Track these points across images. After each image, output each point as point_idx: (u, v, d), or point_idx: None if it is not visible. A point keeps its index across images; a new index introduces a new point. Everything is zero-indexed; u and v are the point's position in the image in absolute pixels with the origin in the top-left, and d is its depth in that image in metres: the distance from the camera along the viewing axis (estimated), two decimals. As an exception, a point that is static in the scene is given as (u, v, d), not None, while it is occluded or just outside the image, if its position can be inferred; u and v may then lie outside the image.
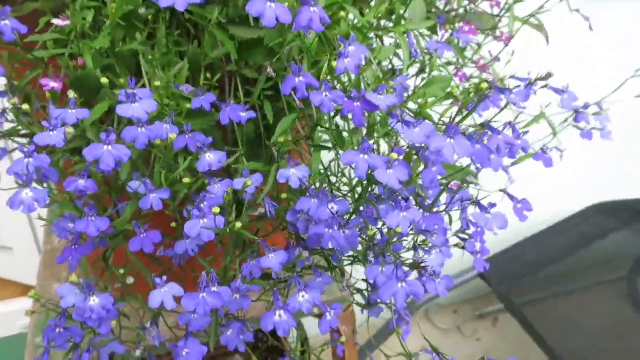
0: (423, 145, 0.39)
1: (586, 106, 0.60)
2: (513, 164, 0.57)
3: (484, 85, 0.40)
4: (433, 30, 0.73)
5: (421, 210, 0.41)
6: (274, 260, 0.42)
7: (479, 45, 0.79)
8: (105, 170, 0.38)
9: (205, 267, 0.44)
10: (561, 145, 0.77)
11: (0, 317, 1.60)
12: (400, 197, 0.44)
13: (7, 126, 0.48)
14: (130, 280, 0.44)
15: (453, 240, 0.55)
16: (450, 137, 0.38)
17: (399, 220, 0.40)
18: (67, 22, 0.46)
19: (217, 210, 0.38)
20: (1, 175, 0.53)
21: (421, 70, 0.67)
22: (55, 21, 0.46)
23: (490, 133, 0.42)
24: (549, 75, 0.42)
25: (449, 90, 0.65)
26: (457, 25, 0.70)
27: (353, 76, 0.56)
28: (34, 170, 0.37)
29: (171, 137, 0.40)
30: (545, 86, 0.48)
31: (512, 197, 0.50)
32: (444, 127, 0.40)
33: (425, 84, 0.63)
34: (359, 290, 0.59)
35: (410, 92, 0.62)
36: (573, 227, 1.64)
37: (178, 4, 0.38)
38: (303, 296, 0.41)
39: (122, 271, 0.43)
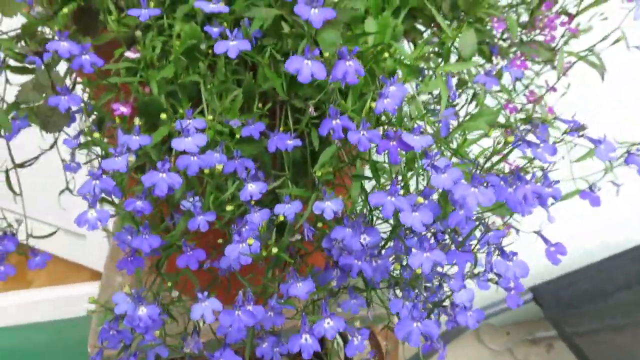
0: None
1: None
2: (553, 203, 0.56)
3: (511, 139, 0.41)
4: (488, 57, 0.73)
5: (452, 247, 0.43)
6: (301, 289, 0.45)
7: (536, 74, 0.78)
8: (159, 195, 0.42)
9: (244, 284, 0.48)
10: (617, 180, 0.75)
11: (71, 299, 1.74)
12: (430, 233, 0.46)
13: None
14: (175, 293, 0.49)
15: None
16: (474, 186, 0.39)
17: (422, 260, 0.42)
18: (137, 55, 0.51)
19: (251, 241, 0.42)
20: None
21: (471, 99, 0.67)
22: (128, 53, 0.51)
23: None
24: (583, 128, 0.42)
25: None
26: (512, 54, 0.70)
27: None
28: (100, 192, 0.42)
29: (218, 168, 0.44)
30: (582, 136, 0.48)
31: (545, 240, 0.50)
32: (474, 170, 0.42)
33: (471, 117, 0.64)
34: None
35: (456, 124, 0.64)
36: (632, 260, 1.56)
37: (230, 51, 0.42)
38: (328, 323, 0.44)
39: (169, 284, 0.48)
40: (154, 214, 0.48)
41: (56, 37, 0.48)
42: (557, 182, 0.46)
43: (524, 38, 0.71)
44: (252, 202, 0.47)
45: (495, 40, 0.72)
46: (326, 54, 0.45)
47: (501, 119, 0.73)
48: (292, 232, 0.49)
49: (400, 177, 0.44)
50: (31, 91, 0.49)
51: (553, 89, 0.82)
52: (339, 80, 0.41)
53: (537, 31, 0.69)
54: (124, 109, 0.52)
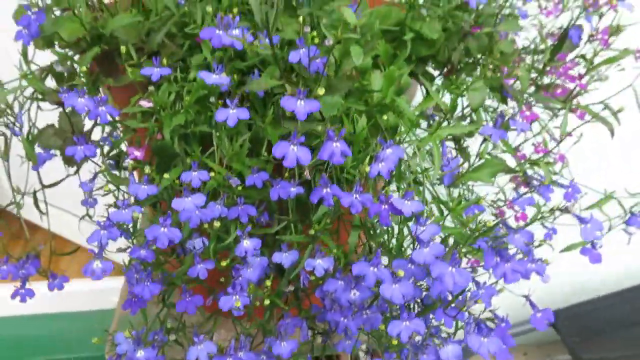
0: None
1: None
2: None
3: (490, 224, 0.42)
4: (504, 99, 0.73)
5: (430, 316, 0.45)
6: (285, 348, 0.48)
7: (543, 127, 0.78)
8: (160, 247, 0.46)
9: (236, 329, 0.51)
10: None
11: (100, 292, 1.82)
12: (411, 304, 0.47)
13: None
14: (172, 337, 0.53)
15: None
16: (452, 265, 0.41)
17: (400, 329, 0.44)
18: (150, 104, 0.54)
19: (238, 303, 0.45)
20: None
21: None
22: (142, 102, 0.54)
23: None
24: (566, 209, 0.43)
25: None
26: (523, 103, 0.70)
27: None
28: (107, 242, 0.46)
29: (215, 225, 0.47)
30: (567, 211, 0.49)
31: (533, 306, 0.51)
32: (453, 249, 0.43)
33: (475, 168, 0.65)
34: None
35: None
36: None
37: (230, 119, 0.44)
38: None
39: (169, 325, 0.51)
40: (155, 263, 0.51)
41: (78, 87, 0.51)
42: (540, 259, 0.47)
43: (540, 83, 0.71)
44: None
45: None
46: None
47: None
48: (287, 282, 0.52)
49: (380, 250, 0.46)
50: (52, 136, 0.52)
51: (556, 140, 0.81)
52: (325, 159, 0.43)
53: (553, 77, 0.69)
54: (137, 153, 0.55)
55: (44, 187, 0.74)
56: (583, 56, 0.63)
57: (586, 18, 0.63)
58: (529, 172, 0.76)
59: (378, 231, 0.51)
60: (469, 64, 0.73)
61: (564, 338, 1.55)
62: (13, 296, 0.60)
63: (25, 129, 0.63)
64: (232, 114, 0.44)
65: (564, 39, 0.65)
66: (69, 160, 0.61)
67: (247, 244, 0.48)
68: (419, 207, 0.47)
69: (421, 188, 0.57)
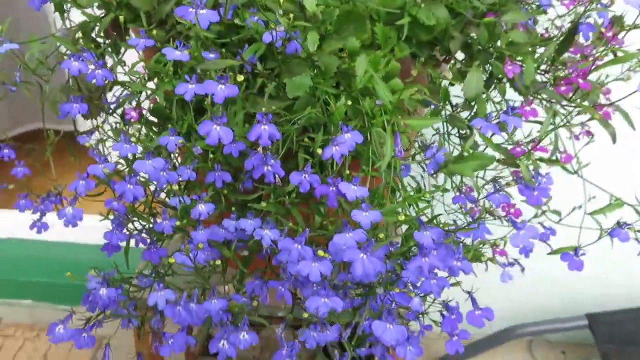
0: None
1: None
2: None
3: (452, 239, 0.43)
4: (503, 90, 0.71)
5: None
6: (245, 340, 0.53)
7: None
8: (128, 201, 0.52)
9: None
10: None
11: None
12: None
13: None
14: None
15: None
16: (364, 252, 0.43)
17: (318, 304, 0.46)
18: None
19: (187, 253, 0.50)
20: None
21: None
22: (138, 68, 0.60)
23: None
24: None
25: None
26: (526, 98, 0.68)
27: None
28: (84, 191, 0.53)
29: (174, 187, 0.52)
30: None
31: (474, 303, 0.51)
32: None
33: (460, 159, 0.64)
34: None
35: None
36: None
37: (216, 96, 0.47)
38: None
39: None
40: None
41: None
42: (464, 258, 0.47)
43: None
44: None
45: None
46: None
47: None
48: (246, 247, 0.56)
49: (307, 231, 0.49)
50: (59, 93, 0.59)
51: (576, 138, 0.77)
52: (254, 140, 0.46)
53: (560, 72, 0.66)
54: (133, 114, 0.61)
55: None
56: (583, 55, 0.59)
57: (599, 13, 0.59)
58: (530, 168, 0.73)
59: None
60: (481, 52, 0.70)
61: (599, 343, 1.48)
62: (31, 227, 0.69)
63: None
64: (190, 89, 0.48)
65: (573, 34, 0.61)
66: (85, 115, 0.68)
67: (202, 207, 0.53)
68: (364, 193, 0.49)
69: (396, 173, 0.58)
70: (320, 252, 0.45)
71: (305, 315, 0.49)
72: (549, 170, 0.72)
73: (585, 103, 0.70)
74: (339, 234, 0.45)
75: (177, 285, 0.62)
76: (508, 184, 0.58)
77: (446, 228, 0.50)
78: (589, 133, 0.81)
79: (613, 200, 0.70)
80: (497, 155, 0.71)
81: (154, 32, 0.56)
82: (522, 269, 0.82)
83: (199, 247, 0.51)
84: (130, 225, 0.61)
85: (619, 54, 0.58)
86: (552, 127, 0.76)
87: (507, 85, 0.72)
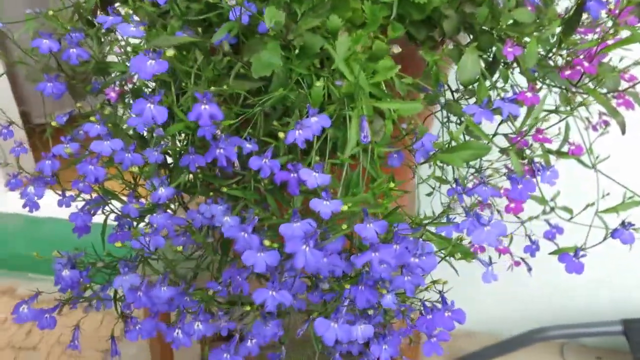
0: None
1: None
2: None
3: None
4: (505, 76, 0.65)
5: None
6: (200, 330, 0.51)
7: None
8: (90, 182, 0.50)
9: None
10: None
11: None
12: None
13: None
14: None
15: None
16: (306, 244, 0.39)
17: (266, 297, 0.44)
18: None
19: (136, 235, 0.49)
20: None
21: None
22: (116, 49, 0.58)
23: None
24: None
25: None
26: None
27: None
28: (50, 171, 0.52)
29: (133, 169, 0.50)
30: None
31: (444, 303, 0.47)
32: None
33: (453, 148, 0.59)
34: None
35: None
36: None
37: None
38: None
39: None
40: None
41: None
42: (430, 253, 0.43)
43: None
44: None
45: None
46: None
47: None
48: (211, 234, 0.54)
49: (255, 218, 0.46)
50: (38, 72, 0.59)
51: (595, 126, 0.71)
52: (194, 120, 0.43)
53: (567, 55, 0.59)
54: (113, 94, 0.60)
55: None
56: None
57: (609, -12, 0.52)
58: (536, 159, 0.67)
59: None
60: (483, 33, 0.65)
61: (633, 351, 1.38)
62: (24, 206, 0.70)
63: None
64: (148, 66, 0.46)
65: (580, 12, 0.55)
66: (73, 96, 0.68)
67: (162, 191, 0.51)
68: (325, 181, 0.46)
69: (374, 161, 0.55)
70: (267, 242, 0.43)
71: (247, 308, 0.47)
72: (555, 163, 0.66)
73: (604, 90, 0.64)
74: (286, 223, 0.42)
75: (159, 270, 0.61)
76: (491, 175, 0.53)
77: (418, 222, 0.46)
78: (606, 123, 0.74)
79: (627, 198, 0.64)
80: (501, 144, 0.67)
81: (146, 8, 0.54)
82: (529, 269, 0.77)
83: (146, 231, 0.49)
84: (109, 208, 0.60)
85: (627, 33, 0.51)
86: (561, 116, 0.71)
87: (517, 70, 0.66)
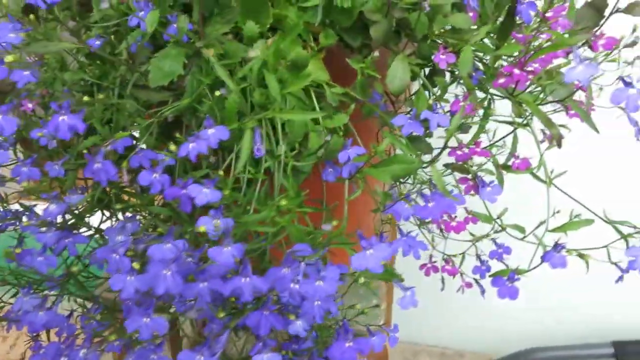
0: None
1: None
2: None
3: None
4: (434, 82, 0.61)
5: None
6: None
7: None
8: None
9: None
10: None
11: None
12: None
13: None
14: None
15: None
16: (167, 268, 0.36)
17: (140, 324, 0.40)
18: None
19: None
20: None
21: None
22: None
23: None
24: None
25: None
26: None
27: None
28: None
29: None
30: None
31: (346, 330, 0.43)
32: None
33: (381, 162, 0.55)
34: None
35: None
36: None
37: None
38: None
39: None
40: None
41: None
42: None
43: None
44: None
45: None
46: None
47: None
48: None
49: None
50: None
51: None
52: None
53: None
54: (29, 105, 0.57)
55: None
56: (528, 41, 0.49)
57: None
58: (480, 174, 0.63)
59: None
60: (425, 40, 0.61)
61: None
62: None
63: None
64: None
65: (513, 15, 0.51)
66: None
67: (53, 207, 0.48)
68: (215, 197, 0.42)
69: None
70: (136, 265, 0.39)
71: (126, 336, 0.43)
72: (494, 178, 0.62)
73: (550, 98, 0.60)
74: (158, 244, 0.39)
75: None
76: (410, 192, 0.49)
77: (317, 242, 0.42)
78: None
79: (574, 216, 0.59)
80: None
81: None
82: (483, 291, 0.72)
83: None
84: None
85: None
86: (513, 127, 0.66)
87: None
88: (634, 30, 0.44)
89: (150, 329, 0.40)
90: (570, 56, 0.47)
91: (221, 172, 0.47)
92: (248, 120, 0.44)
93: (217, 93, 0.47)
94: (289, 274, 0.39)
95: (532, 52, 0.47)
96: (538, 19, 0.50)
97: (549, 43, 0.49)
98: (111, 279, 0.39)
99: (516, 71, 0.49)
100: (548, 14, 0.47)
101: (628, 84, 0.41)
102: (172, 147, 0.44)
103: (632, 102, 0.41)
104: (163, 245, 0.38)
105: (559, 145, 0.51)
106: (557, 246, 0.47)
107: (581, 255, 0.49)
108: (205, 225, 0.41)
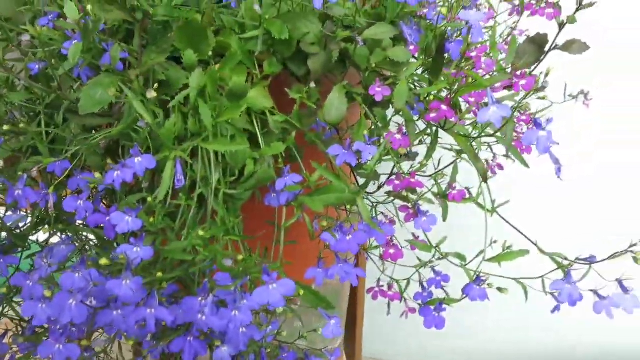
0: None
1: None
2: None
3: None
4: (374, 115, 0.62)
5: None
6: None
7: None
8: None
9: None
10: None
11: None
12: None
13: None
14: None
15: None
16: (73, 298, 0.37)
17: (54, 351, 0.41)
18: None
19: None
20: None
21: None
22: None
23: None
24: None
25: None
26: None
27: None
28: None
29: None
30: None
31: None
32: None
33: (316, 191, 0.56)
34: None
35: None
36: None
37: None
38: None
39: None
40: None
41: None
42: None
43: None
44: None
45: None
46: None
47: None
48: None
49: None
50: None
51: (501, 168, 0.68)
52: None
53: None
54: None
55: None
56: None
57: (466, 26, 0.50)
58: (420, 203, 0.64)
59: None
60: (369, 72, 0.63)
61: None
62: None
63: None
64: None
65: (442, 52, 0.52)
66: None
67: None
68: (137, 226, 0.43)
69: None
70: (48, 293, 0.40)
71: None
72: (437, 208, 0.63)
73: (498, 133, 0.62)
74: (69, 272, 0.39)
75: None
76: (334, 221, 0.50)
77: (236, 271, 0.43)
78: (500, 167, 0.71)
79: (506, 247, 0.60)
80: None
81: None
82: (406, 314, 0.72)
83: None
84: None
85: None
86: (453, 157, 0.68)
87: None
88: (547, 74, 0.46)
89: (63, 355, 0.40)
90: (485, 99, 0.48)
91: (150, 199, 0.48)
92: (171, 151, 0.45)
93: (153, 121, 0.48)
94: (201, 304, 0.40)
95: (456, 90, 0.49)
96: (462, 58, 0.51)
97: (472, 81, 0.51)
98: (23, 306, 0.40)
99: (443, 107, 0.51)
100: (472, 54, 0.49)
101: (538, 126, 0.42)
102: (97, 175, 0.45)
103: (542, 144, 0.42)
104: (74, 274, 0.39)
105: (484, 180, 0.52)
106: (477, 279, 0.48)
107: (500, 289, 0.50)
108: (125, 252, 0.42)
